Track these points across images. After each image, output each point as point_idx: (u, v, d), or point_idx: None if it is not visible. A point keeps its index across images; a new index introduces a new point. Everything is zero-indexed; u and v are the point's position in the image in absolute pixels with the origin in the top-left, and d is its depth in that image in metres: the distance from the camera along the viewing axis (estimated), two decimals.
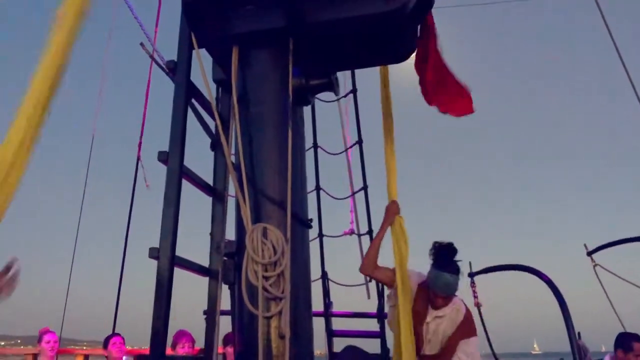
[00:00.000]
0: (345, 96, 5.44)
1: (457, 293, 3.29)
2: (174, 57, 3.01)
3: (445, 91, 3.21)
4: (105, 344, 5.60)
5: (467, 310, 3.37)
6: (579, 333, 5.28)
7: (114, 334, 5.76)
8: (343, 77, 5.40)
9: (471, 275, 6.06)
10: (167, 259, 2.64)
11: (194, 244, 3.47)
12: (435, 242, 3.33)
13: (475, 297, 6.03)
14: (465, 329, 3.29)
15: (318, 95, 3.81)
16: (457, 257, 3.28)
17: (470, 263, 6.08)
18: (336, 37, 3.04)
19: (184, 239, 2.89)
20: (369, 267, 3.42)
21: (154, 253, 2.66)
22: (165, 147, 2.84)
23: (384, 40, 3.08)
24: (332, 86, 3.21)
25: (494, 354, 6.03)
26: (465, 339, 3.26)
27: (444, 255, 3.26)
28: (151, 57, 3.43)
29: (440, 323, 3.28)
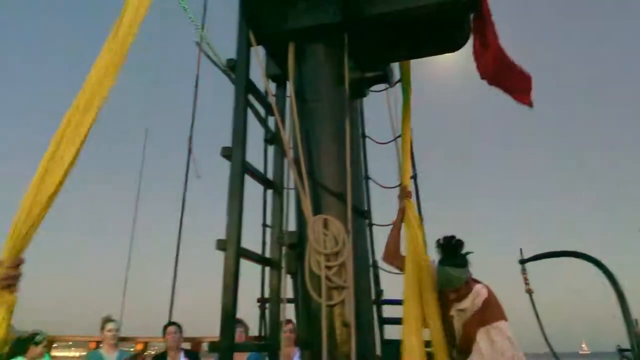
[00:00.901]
0: (393, 85, 5.46)
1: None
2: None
3: (508, 77, 3.21)
4: (164, 332, 5.81)
5: (489, 294, 3.19)
6: (636, 320, 5.21)
7: (170, 323, 5.97)
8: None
9: (522, 262, 6.03)
10: (234, 251, 2.74)
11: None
12: (439, 238, 3.26)
13: (527, 283, 6.00)
14: (486, 313, 3.12)
15: None
16: (466, 250, 3.21)
17: (520, 250, 6.05)
18: (390, 29, 3.08)
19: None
20: (388, 255, 3.42)
21: (221, 245, 2.76)
22: (214, 139, 2.94)
23: (438, 30, 3.10)
24: (387, 78, 3.26)
25: (546, 340, 5.97)
26: (487, 325, 3.07)
27: (445, 250, 3.21)
28: (207, 55, 3.54)
29: (464, 315, 3.20)
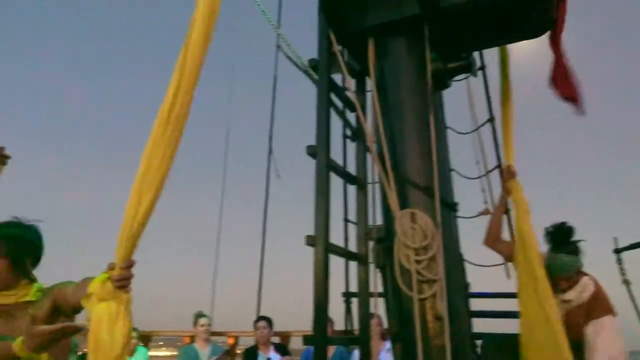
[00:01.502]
0: (475, 75, 5.35)
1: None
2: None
3: (563, 76, 3.11)
4: (255, 326, 5.99)
5: (597, 288, 3.09)
6: None
7: (260, 318, 6.14)
8: None
9: (617, 251, 5.76)
10: (323, 246, 2.80)
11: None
12: (547, 226, 3.16)
13: (623, 274, 5.72)
14: (593, 308, 3.02)
15: None
16: (577, 237, 3.10)
17: (615, 239, 5.77)
18: (471, 18, 3.03)
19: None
20: (489, 239, 3.36)
21: (310, 241, 2.83)
22: (291, 139, 3.00)
23: (520, 17, 3.02)
24: (470, 67, 3.21)
25: None
26: (595, 319, 2.99)
27: (557, 236, 3.10)
28: (288, 57, 3.63)
29: (567, 306, 3.09)
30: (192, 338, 6.31)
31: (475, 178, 5.85)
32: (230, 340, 6.75)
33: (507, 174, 3.35)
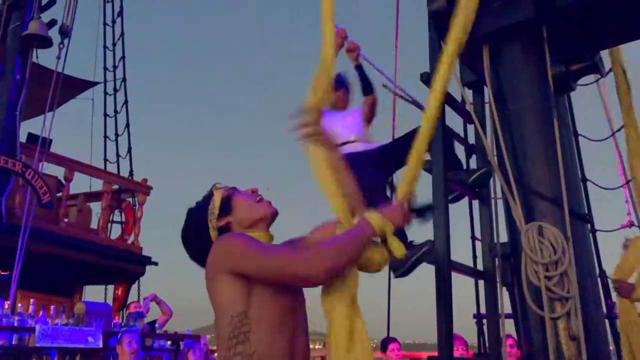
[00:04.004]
0: (606, 75, 4.97)
1: None
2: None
3: None
4: (384, 347, 5.94)
5: None
6: None
7: (390, 339, 6.07)
8: None
9: None
10: (445, 264, 2.71)
11: None
12: None
13: None
14: None
15: None
16: None
17: None
18: (592, 15, 2.83)
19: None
20: None
21: (431, 258, 2.76)
22: None
23: None
24: (597, 67, 2.98)
25: None
26: None
27: None
28: (395, 93, 3.69)
29: None
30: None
31: (613, 188, 5.40)
32: None
33: None
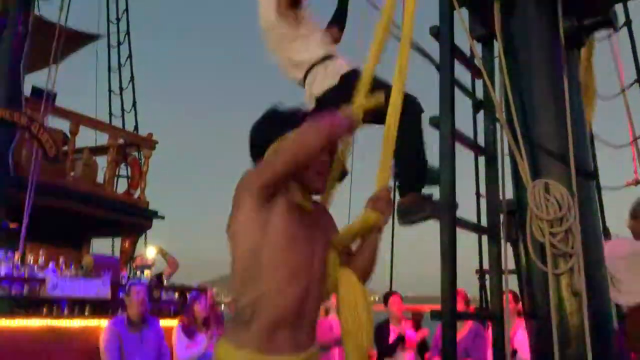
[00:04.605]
0: (618, 30, 4.85)
1: None
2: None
3: None
4: (385, 301, 6.04)
5: None
6: None
7: (392, 293, 6.17)
8: None
9: None
10: (449, 220, 2.72)
11: None
12: None
13: None
14: None
15: None
16: None
17: None
18: None
19: None
20: None
21: (436, 214, 2.76)
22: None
23: None
24: (611, 22, 2.90)
25: None
26: None
27: None
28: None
29: None
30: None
31: (621, 146, 5.36)
32: None
33: None
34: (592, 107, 3.63)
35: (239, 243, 1.81)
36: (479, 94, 3.36)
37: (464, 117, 3.42)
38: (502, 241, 2.90)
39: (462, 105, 3.37)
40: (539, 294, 2.69)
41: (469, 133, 3.27)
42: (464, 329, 5.38)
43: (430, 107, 2.90)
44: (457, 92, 2.97)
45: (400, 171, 2.96)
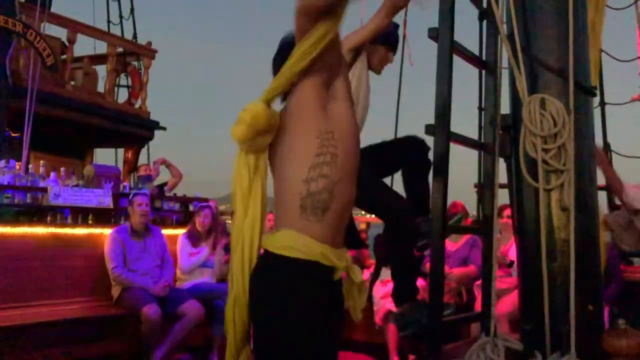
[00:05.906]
0: None
1: None
2: None
3: None
4: None
5: None
6: None
7: None
8: None
9: None
10: (443, 135, 2.70)
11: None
12: None
13: None
14: None
15: None
16: None
17: None
18: None
19: None
20: None
21: (430, 129, 2.74)
22: (427, 22, 2.82)
23: None
24: None
25: None
26: None
27: None
28: None
29: None
30: None
31: (628, 60, 5.23)
32: (363, 226, 6.97)
33: None
34: (601, 18, 3.48)
35: (312, 126, 1.61)
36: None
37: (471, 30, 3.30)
38: (495, 156, 2.89)
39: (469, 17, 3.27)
40: (529, 209, 2.72)
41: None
42: (462, 240, 5.55)
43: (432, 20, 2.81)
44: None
45: (395, 280, 3.05)
